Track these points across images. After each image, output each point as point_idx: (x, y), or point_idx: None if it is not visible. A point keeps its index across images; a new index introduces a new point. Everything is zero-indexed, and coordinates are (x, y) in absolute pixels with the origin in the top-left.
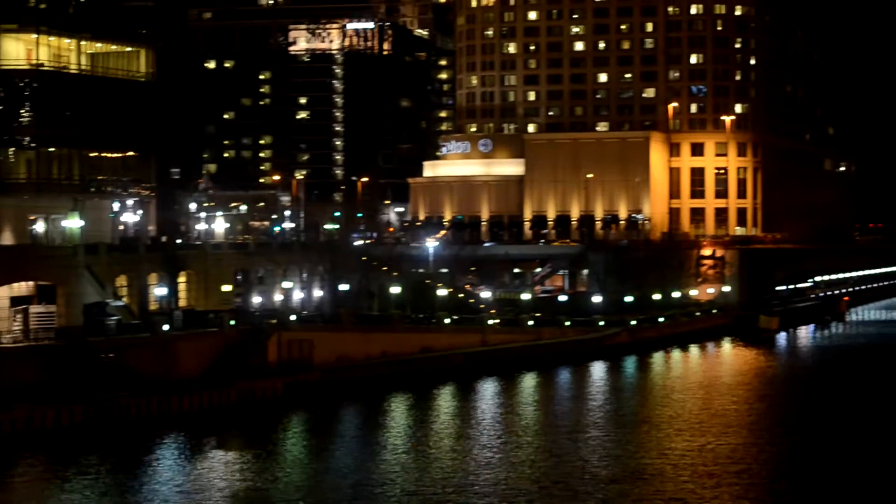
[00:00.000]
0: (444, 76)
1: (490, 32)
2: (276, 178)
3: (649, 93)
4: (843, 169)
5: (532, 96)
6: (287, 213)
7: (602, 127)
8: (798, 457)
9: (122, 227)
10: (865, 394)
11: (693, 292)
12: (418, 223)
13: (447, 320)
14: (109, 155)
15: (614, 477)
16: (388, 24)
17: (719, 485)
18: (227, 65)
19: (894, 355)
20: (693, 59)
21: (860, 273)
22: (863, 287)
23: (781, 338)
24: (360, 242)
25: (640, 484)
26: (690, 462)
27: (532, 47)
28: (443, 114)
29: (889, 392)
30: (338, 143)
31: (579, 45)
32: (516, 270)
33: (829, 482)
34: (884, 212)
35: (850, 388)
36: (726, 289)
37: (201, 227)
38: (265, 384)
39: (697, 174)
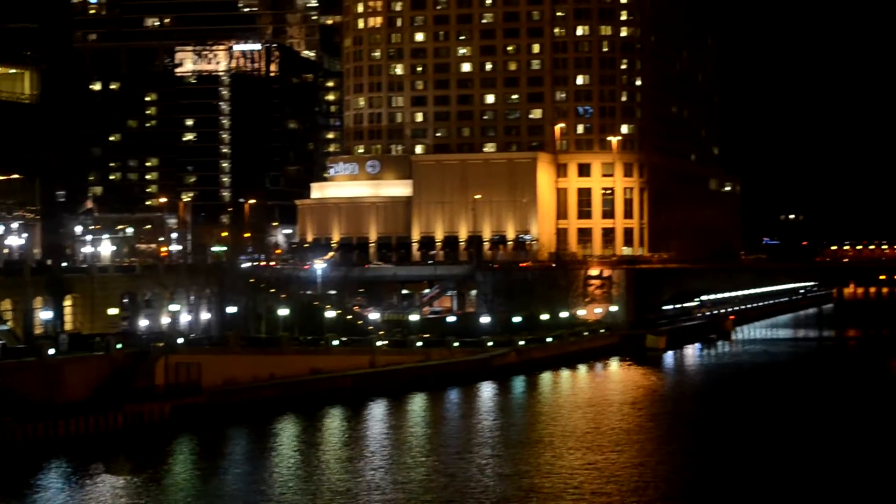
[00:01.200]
0: (331, 97)
1: (377, 54)
2: (163, 200)
3: (536, 114)
4: (728, 188)
5: (419, 117)
6: (174, 235)
7: (489, 148)
8: (686, 474)
9: (6, 251)
10: (752, 411)
11: (581, 312)
12: (306, 245)
13: (336, 342)
14: None
15: (506, 496)
16: (274, 45)
17: (609, 503)
18: (112, 86)
19: (779, 373)
20: (579, 80)
21: (746, 292)
22: (748, 306)
23: (669, 357)
24: (248, 264)
25: (531, 503)
26: (580, 480)
27: (419, 69)
28: (330, 135)
29: (773, 409)
30: (225, 164)
31: (466, 67)
32: (405, 292)
33: (717, 499)
34: (767, 230)
35: (737, 407)
36: (614, 308)
37: (87, 249)
38: (152, 407)
39: (584, 194)
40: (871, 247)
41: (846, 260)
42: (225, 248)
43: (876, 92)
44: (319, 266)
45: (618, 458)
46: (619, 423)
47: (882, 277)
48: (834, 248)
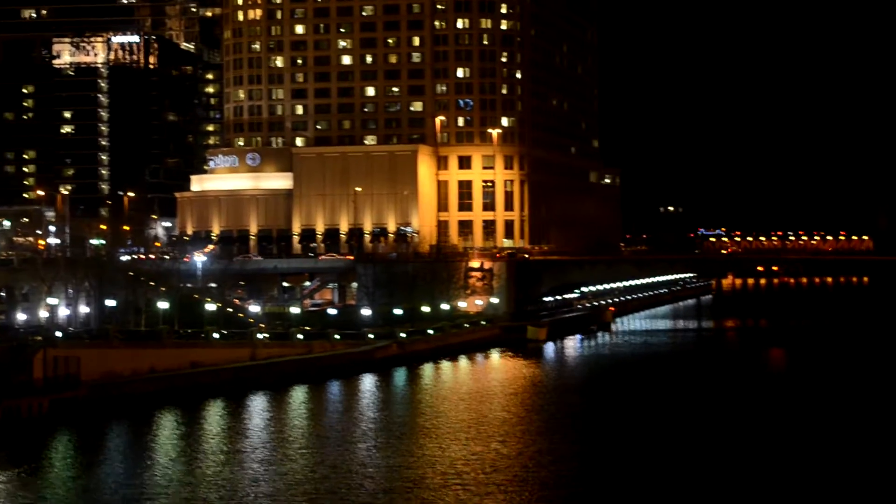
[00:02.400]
0: (211, 90)
1: (257, 46)
2: (41, 193)
3: (417, 106)
4: (608, 181)
5: (300, 110)
6: (52, 228)
7: (370, 140)
8: (569, 464)
9: None
10: (632, 401)
11: (462, 304)
12: (186, 238)
13: (216, 335)
14: None
15: (390, 487)
16: (153, 37)
17: (490, 492)
18: None
19: (657, 364)
20: (460, 72)
21: (625, 283)
22: (628, 297)
23: (549, 348)
24: (127, 257)
25: (414, 493)
26: (461, 470)
27: (299, 61)
28: (210, 128)
29: (651, 399)
30: (104, 157)
31: (347, 59)
32: (286, 284)
33: (598, 488)
34: (647, 223)
35: (617, 397)
36: (495, 300)
37: None
38: (31, 402)
39: (465, 187)
40: (749, 238)
41: (724, 252)
42: (104, 241)
43: (755, 85)
44: (199, 259)
45: (501, 449)
46: (501, 413)
47: (760, 269)
48: (712, 239)
